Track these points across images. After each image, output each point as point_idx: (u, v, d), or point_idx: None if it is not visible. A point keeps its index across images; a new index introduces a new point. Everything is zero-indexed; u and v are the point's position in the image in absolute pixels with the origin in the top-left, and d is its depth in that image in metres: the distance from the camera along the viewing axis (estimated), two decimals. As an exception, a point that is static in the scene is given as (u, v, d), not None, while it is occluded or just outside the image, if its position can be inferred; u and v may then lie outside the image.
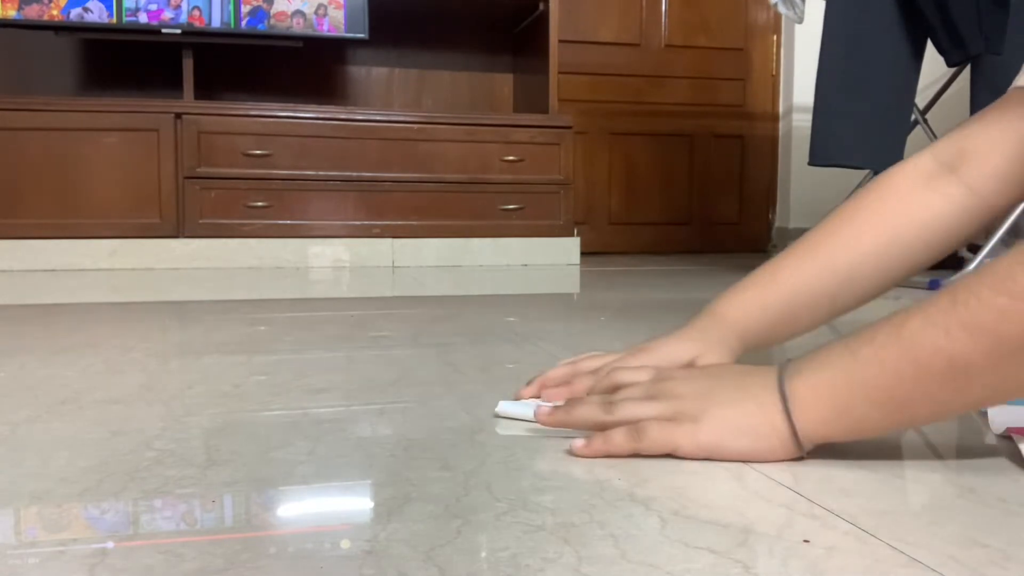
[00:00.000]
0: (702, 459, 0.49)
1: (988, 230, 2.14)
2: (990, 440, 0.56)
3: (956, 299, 0.43)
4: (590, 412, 0.54)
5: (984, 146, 0.61)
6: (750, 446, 0.49)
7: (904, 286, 1.78)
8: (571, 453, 0.52)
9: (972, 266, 1.75)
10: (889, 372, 0.45)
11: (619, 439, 0.51)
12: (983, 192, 0.61)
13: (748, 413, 0.49)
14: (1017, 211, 1.79)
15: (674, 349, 0.62)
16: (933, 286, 1.71)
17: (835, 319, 0.66)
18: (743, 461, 0.49)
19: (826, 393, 0.47)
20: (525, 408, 0.60)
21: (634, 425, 0.51)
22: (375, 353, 0.91)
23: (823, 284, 0.63)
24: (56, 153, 2.19)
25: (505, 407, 0.62)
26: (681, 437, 0.49)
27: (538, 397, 0.64)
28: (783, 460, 0.49)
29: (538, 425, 0.56)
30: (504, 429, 0.58)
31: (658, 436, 0.50)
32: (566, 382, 0.64)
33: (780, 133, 3.33)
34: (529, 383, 0.66)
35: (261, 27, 2.42)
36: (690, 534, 0.38)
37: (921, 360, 0.43)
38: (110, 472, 0.48)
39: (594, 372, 0.63)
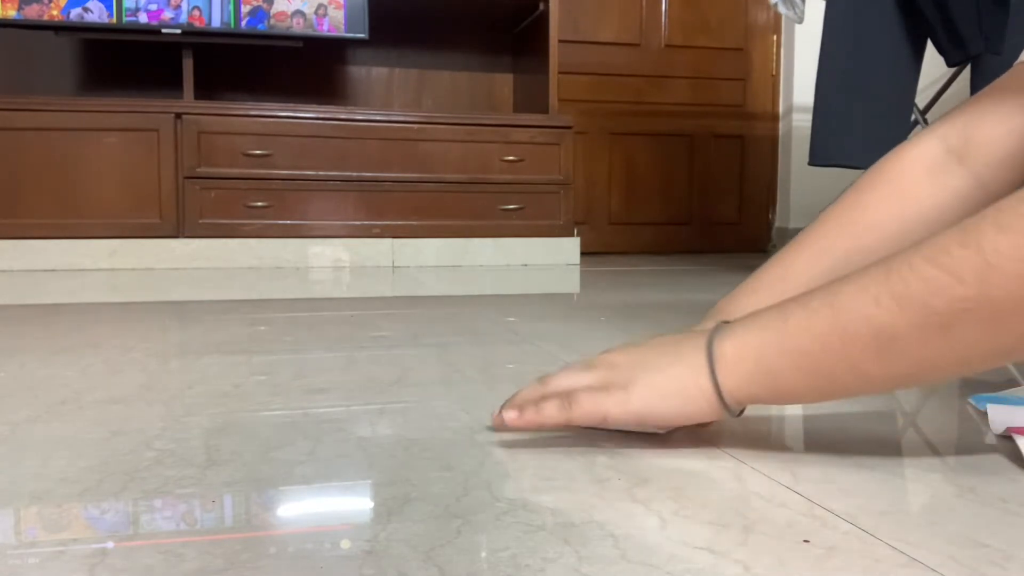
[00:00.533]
0: (634, 426, 0.51)
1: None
2: (990, 440, 0.56)
3: (891, 268, 0.42)
4: (526, 391, 0.54)
5: (991, 132, 0.59)
6: (678, 409, 0.49)
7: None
8: (500, 428, 0.53)
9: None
10: (816, 339, 0.44)
11: (550, 410, 0.51)
12: (990, 184, 0.60)
13: (676, 376, 0.49)
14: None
15: None
16: None
17: None
18: (674, 426, 0.51)
19: (752, 355, 0.47)
20: None
21: (566, 395, 0.51)
22: (375, 353, 0.91)
23: (818, 278, 0.62)
24: (56, 153, 2.19)
25: None
26: (612, 405, 0.50)
27: None
28: (714, 420, 0.51)
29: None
30: (502, 432, 0.58)
31: (588, 405, 0.50)
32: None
33: (780, 133, 3.33)
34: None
35: (261, 27, 2.42)
36: (690, 534, 0.38)
37: (849, 329, 0.43)
38: (110, 472, 0.48)
39: None
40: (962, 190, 0.60)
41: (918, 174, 0.62)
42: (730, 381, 0.47)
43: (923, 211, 0.61)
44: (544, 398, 0.52)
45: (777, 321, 0.46)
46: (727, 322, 0.50)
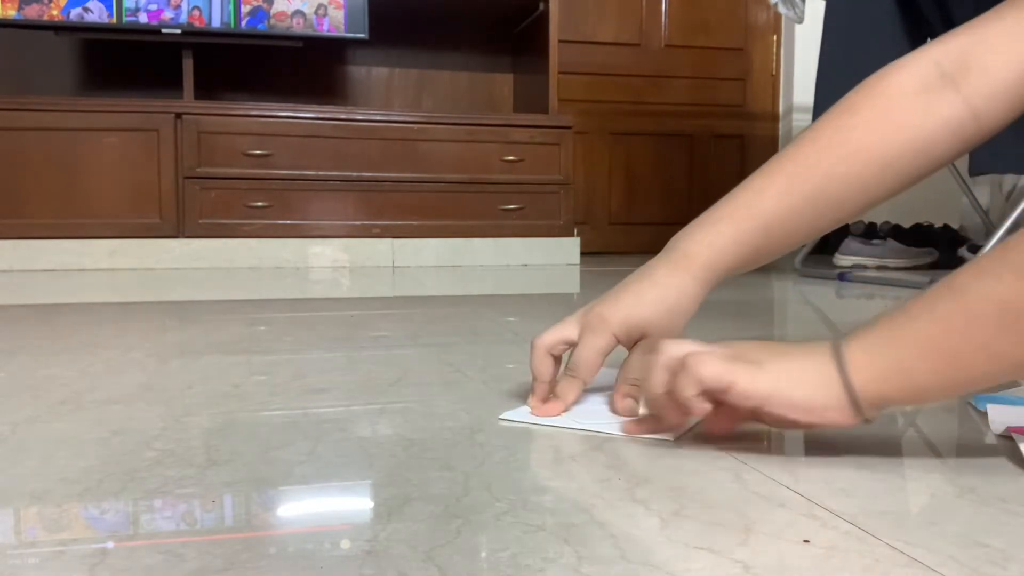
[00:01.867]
0: (754, 404, 0.47)
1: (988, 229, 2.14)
2: (990, 440, 0.56)
3: (1007, 246, 0.42)
4: (636, 363, 0.54)
5: (992, 60, 0.55)
6: (809, 396, 0.46)
7: (903, 285, 1.78)
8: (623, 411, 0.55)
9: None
10: (939, 322, 0.43)
11: (682, 380, 0.48)
12: (983, 115, 0.56)
13: (808, 367, 0.47)
14: (1017, 210, 1.79)
15: (646, 296, 0.60)
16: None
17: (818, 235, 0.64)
18: (797, 419, 0.47)
19: (879, 351, 0.45)
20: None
21: (692, 359, 0.48)
22: (375, 353, 0.91)
23: (805, 216, 0.59)
24: (56, 153, 2.19)
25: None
26: (741, 373, 0.47)
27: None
28: (840, 424, 0.47)
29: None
30: (502, 431, 0.58)
31: (717, 366, 0.47)
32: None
33: (780, 133, 3.33)
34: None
35: (261, 27, 2.42)
36: (690, 534, 0.38)
37: (972, 308, 0.42)
38: (110, 472, 0.48)
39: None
40: (953, 120, 0.56)
41: (908, 98, 0.57)
42: (862, 380, 0.45)
43: (911, 139, 0.56)
44: (664, 368, 0.50)
45: (897, 317, 0.45)
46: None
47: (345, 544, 0.37)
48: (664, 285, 0.60)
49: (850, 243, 2.29)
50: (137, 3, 2.33)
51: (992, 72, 0.55)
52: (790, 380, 0.47)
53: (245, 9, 2.39)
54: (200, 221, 2.27)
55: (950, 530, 0.39)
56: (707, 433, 0.53)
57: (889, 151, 0.57)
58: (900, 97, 0.57)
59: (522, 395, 0.68)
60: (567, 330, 0.62)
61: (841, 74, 1.84)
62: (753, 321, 1.24)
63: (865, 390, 0.45)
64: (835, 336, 0.48)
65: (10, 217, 2.17)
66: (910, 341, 0.44)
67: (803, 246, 2.26)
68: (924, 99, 0.56)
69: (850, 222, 2.12)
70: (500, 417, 0.61)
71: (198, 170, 2.27)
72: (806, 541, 0.37)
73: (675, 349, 0.51)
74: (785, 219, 0.59)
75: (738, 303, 1.45)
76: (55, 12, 2.29)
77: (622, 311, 0.60)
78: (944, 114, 0.56)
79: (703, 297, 0.61)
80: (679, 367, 0.49)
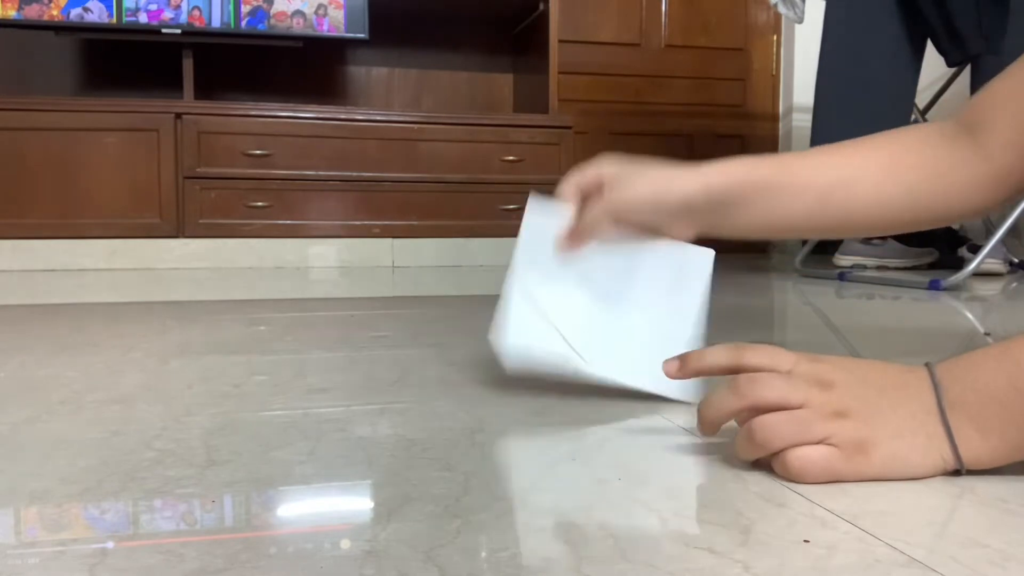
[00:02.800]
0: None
1: (993, 220, 2.14)
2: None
3: None
4: (722, 403, 0.48)
5: (997, 114, 0.62)
6: (913, 476, 0.45)
7: (903, 285, 1.78)
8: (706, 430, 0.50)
9: (972, 266, 1.75)
10: None
11: (760, 437, 0.45)
12: (996, 160, 0.61)
13: (916, 448, 0.44)
14: (1017, 211, 1.79)
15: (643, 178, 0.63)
16: (933, 286, 1.71)
17: (831, 235, 0.66)
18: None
19: (996, 441, 0.43)
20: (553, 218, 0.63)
21: (799, 451, 0.44)
22: (375, 353, 0.91)
23: (814, 193, 0.62)
24: (56, 153, 2.19)
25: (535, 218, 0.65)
26: (846, 471, 0.44)
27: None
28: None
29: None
30: (502, 431, 0.58)
31: (821, 464, 0.44)
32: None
33: (780, 133, 3.33)
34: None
35: (261, 27, 2.42)
36: (690, 534, 0.38)
37: None
38: (110, 472, 0.48)
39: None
40: (970, 159, 0.61)
41: (932, 135, 0.64)
42: (970, 458, 0.44)
43: (928, 165, 0.62)
44: (756, 431, 0.45)
45: (1012, 397, 0.43)
46: (938, 370, 0.46)
47: (345, 544, 0.37)
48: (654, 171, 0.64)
49: (850, 243, 2.29)
50: (137, 3, 2.33)
51: (998, 126, 0.61)
52: (903, 468, 0.45)
53: (245, 9, 2.39)
54: (200, 221, 2.27)
55: (950, 530, 0.39)
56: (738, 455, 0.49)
57: (906, 168, 0.62)
58: (926, 139, 0.63)
59: (523, 394, 0.68)
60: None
61: (841, 74, 1.85)
62: (753, 321, 1.24)
63: (974, 465, 0.45)
64: (931, 371, 0.46)
65: (10, 217, 2.17)
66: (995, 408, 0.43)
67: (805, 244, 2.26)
68: (947, 140, 0.63)
69: (859, 237, 2.12)
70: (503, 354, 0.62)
71: (198, 170, 2.27)
72: (806, 541, 0.37)
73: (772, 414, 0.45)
74: (799, 176, 0.62)
75: (738, 303, 1.45)
76: (55, 12, 2.29)
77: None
78: (960, 154, 0.62)
79: (693, 194, 0.62)
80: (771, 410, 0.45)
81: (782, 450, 0.45)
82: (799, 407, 0.45)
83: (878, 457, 0.44)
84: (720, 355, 0.50)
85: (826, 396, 0.45)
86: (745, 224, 0.64)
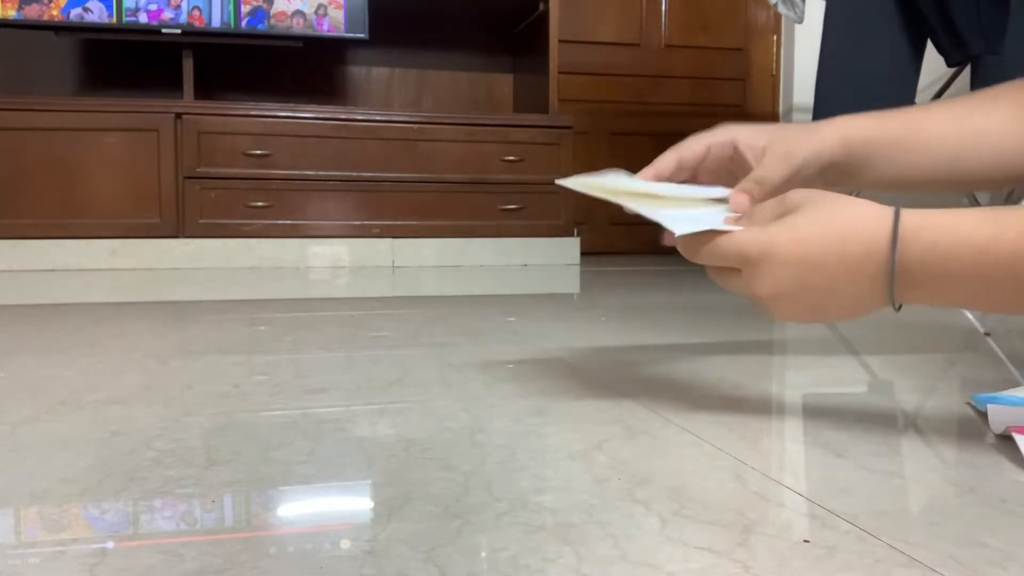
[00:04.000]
0: (795, 261, 0.49)
1: None
2: (990, 440, 0.56)
3: None
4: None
5: None
6: (841, 249, 0.48)
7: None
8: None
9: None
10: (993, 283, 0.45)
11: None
12: None
13: (856, 216, 0.48)
14: None
15: (744, 130, 0.63)
16: None
17: (953, 189, 0.64)
18: (832, 282, 0.49)
19: (933, 262, 0.46)
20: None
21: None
22: (375, 353, 0.91)
23: (947, 141, 0.61)
24: (56, 153, 2.19)
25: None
26: (777, 232, 0.49)
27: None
28: (864, 310, 0.50)
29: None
30: (502, 431, 0.58)
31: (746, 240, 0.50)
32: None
33: (780, 133, 3.32)
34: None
35: (261, 27, 2.42)
36: (690, 534, 0.38)
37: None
38: (110, 472, 0.48)
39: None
40: None
41: None
42: (909, 249, 0.47)
43: None
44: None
45: (976, 256, 0.45)
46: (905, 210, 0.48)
47: (345, 544, 0.37)
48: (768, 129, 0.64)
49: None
50: (137, 3, 2.33)
51: None
52: (836, 230, 0.48)
53: (245, 9, 2.39)
54: (200, 221, 2.27)
55: (950, 530, 0.39)
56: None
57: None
58: None
59: (523, 394, 0.68)
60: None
61: (841, 74, 1.84)
62: (753, 321, 1.24)
63: (908, 263, 0.47)
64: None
65: (10, 217, 2.17)
66: (960, 277, 0.45)
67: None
68: None
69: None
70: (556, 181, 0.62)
71: (198, 170, 2.27)
72: (806, 541, 0.37)
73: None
74: (928, 132, 0.61)
75: (738, 302, 1.46)
76: (55, 12, 2.29)
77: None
78: None
79: (830, 147, 0.61)
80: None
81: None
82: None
83: (807, 213, 0.49)
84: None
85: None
86: (875, 179, 0.63)
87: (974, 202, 2.03)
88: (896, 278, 0.47)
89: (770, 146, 0.61)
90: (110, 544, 0.37)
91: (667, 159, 0.65)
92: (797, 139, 0.61)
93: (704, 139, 0.64)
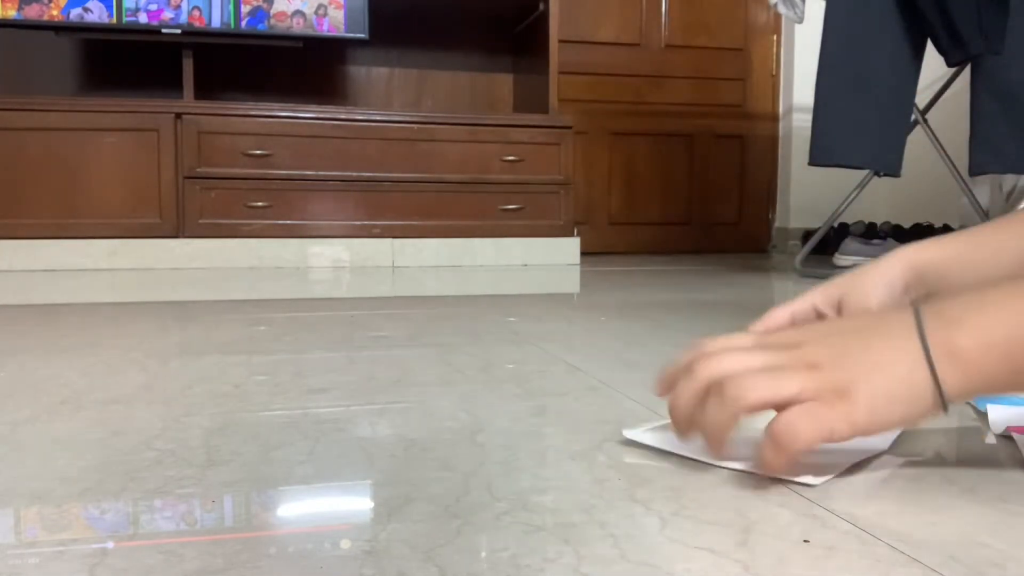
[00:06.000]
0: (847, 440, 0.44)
1: None
2: (990, 440, 0.56)
3: None
4: (686, 389, 0.46)
5: None
6: (903, 415, 0.42)
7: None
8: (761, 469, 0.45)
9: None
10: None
11: (769, 451, 0.43)
12: None
13: (900, 377, 0.42)
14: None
15: (814, 295, 0.58)
16: None
17: None
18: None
19: (970, 360, 0.41)
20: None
21: (781, 419, 0.43)
22: (375, 353, 0.91)
23: (1012, 258, 0.56)
24: (56, 153, 2.19)
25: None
26: (836, 421, 0.42)
27: None
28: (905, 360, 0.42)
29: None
30: (502, 431, 0.58)
31: (810, 425, 0.42)
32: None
33: (780, 133, 3.33)
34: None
35: (261, 27, 2.41)
36: (690, 534, 0.38)
37: None
38: (110, 472, 0.48)
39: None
40: None
41: None
42: (956, 376, 0.41)
43: None
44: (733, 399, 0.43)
45: (987, 322, 0.41)
46: (927, 300, 0.44)
47: (345, 544, 0.37)
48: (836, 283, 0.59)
49: (850, 243, 2.29)
50: (137, 3, 2.33)
51: None
52: (888, 402, 0.42)
53: (245, 9, 2.39)
54: (200, 221, 2.27)
55: (950, 530, 0.39)
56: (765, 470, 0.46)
57: None
58: None
59: (523, 395, 0.68)
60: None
61: (841, 74, 1.84)
62: (753, 320, 1.24)
63: (958, 388, 0.42)
64: (914, 303, 0.44)
65: (10, 217, 2.17)
66: (997, 355, 0.41)
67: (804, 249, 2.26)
68: None
69: None
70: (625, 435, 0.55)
71: (198, 170, 2.27)
72: (806, 541, 0.37)
73: (720, 357, 0.45)
74: (989, 240, 0.57)
75: (738, 303, 1.46)
76: (55, 12, 2.29)
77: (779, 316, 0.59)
78: None
79: (900, 274, 0.57)
80: (728, 383, 0.44)
81: (757, 408, 0.43)
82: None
83: (862, 397, 0.42)
84: (681, 359, 0.49)
85: (794, 353, 0.44)
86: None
87: (974, 202, 2.03)
88: (926, 316, 0.43)
89: (844, 300, 0.58)
90: (110, 544, 0.37)
91: (780, 315, 0.60)
92: (869, 285, 0.58)
93: (809, 299, 0.60)
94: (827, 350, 0.44)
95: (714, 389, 0.45)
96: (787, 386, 0.43)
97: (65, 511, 0.42)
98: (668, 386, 0.49)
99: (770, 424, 0.43)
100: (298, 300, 1.58)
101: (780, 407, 0.43)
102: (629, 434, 0.54)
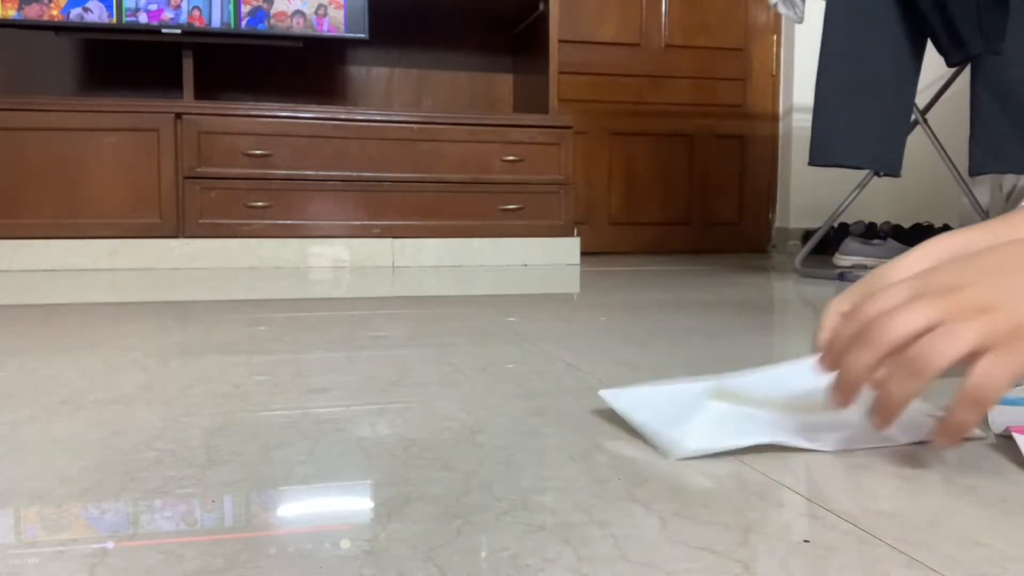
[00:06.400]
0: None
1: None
2: (990, 440, 0.56)
3: None
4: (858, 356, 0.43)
5: None
6: None
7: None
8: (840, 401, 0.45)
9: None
10: None
11: (964, 410, 0.42)
12: None
13: None
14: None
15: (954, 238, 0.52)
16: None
17: None
18: None
19: None
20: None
21: (976, 376, 0.41)
22: (375, 353, 0.91)
23: None
24: (56, 153, 2.19)
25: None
26: (1019, 363, 0.41)
27: None
28: None
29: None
30: (502, 431, 0.58)
31: (1006, 375, 0.41)
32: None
33: (780, 133, 3.33)
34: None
35: (261, 27, 2.41)
36: (690, 534, 0.38)
37: None
38: (110, 472, 0.48)
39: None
40: None
41: None
42: None
43: None
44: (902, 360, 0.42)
45: None
46: None
47: (345, 544, 0.37)
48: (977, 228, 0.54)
49: (850, 243, 2.29)
50: (137, 3, 2.33)
51: None
52: None
53: (245, 9, 2.39)
54: (200, 221, 2.27)
55: (950, 530, 0.39)
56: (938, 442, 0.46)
57: None
58: None
59: (523, 395, 0.68)
60: None
61: (842, 74, 1.84)
62: (752, 320, 1.24)
63: None
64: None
65: (10, 217, 2.17)
66: None
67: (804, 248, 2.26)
68: None
69: None
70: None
71: (198, 170, 2.27)
72: (806, 541, 0.37)
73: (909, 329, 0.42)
74: (1007, 231, 0.53)
75: (738, 303, 1.46)
76: (55, 12, 2.29)
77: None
78: None
79: (936, 260, 0.52)
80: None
81: (941, 371, 0.42)
82: (938, 325, 0.42)
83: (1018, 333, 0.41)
84: (842, 325, 0.46)
85: (960, 299, 0.42)
86: None
87: (974, 202, 2.03)
88: None
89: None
90: (110, 544, 0.37)
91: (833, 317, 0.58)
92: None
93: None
94: (993, 291, 0.42)
95: (893, 359, 0.43)
96: (968, 339, 0.41)
97: (65, 511, 0.42)
98: (836, 357, 0.46)
99: (964, 382, 0.42)
100: (298, 300, 1.58)
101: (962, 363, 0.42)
102: (604, 394, 0.57)
